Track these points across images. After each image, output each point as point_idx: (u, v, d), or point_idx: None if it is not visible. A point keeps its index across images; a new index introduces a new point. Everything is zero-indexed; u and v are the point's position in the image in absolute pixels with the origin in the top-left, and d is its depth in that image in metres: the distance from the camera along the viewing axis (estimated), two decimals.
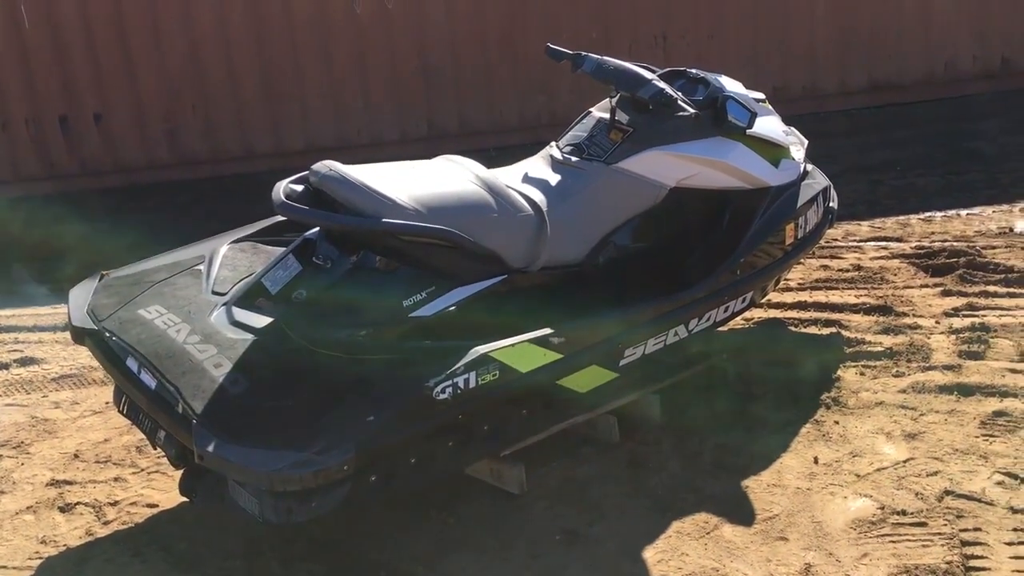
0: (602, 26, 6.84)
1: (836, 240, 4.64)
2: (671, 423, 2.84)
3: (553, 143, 3.05)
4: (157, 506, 2.68)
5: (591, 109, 3.11)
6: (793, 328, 3.56)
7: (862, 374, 3.13)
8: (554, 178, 2.86)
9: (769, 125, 3.20)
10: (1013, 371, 3.04)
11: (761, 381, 3.10)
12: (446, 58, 6.86)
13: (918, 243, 4.48)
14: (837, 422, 2.82)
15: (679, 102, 2.83)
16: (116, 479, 2.83)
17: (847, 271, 4.15)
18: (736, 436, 2.79)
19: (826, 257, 4.35)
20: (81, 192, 6.59)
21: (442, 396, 2.24)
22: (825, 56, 7.06)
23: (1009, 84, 7.17)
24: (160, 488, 2.76)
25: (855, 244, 4.56)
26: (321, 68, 6.77)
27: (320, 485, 2.06)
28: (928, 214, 4.99)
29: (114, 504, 2.69)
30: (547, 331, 2.48)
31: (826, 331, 3.49)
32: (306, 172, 2.46)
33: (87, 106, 6.61)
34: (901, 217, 4.98)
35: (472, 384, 2.30)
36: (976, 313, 3.52)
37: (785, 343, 3.42)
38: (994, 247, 4.28)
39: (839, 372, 3.15)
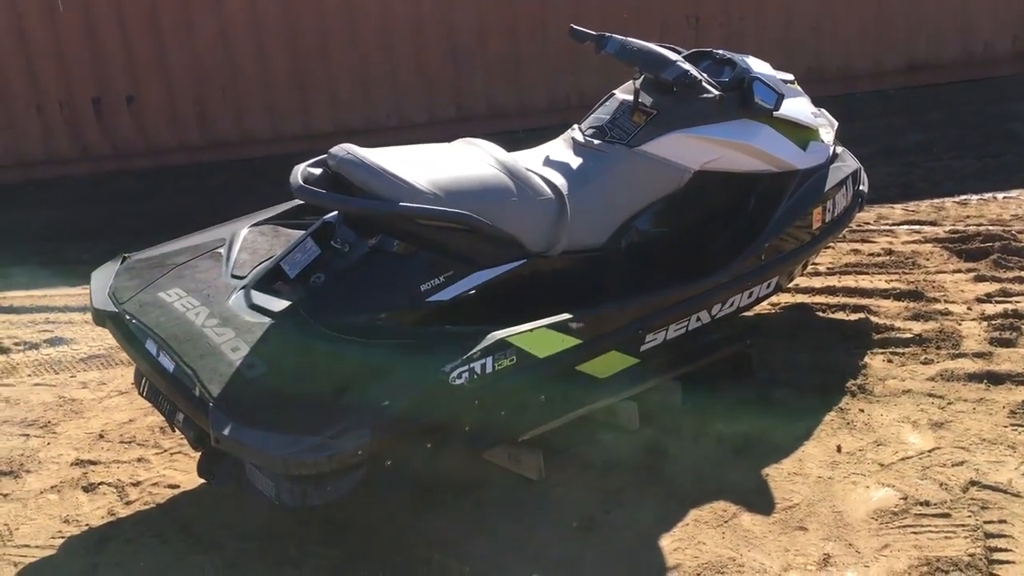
0: (633, 6, 6.75)
1: (868, 224, 4.55)
2: (692, 410, 2.81)
3: (575, 125, 3.02)
4: (178, 487, 2.70)
5: (614, 91, 3.07)
6: (821, 313, 3.50)
7: (890, 361, 3.07)
8: (576, 161, 2.83)
9: (797, 107, 3.14)
10: None
11: (786, 368, 3.06)
12: (474, 40, 6.83)
13: (952, 227, 4.38)
14: (862, 410, 2.77)
15: (703, 83, 2.78)
16: (139, 459, 2.87)
17: (878, 255, 4.07)
18: (758, 424, 2.75)
19: (857, 241, 4.27)
20: (115, 173, 6.69)
21: (458, 381, 2.23)
22: (859, 36, 6.93)
23: None
24: (182, 469, 2.79)
25: (887, 228, 4.47)
26: (349, 51, 6.78)
27: (335, 469, 2.07)
28: (963, 197, 4.87)
29: (136, 484, 2.72)
30: (566, 316, 2.46)
31: (854, 317, 3.42)
32: (324, 156, 2.46)
33: (120, 89, 6.68)
34: (936, 200, 4.87)
35: (489, 369, 2.29)
36: (1009, 299, 3.44)
37: (812, 329, 3.37)
38: None
39: (866, 359, 3.10)
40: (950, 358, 3.04)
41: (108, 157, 6.83)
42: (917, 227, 4.45)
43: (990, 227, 4.27)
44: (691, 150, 2.88)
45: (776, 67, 3.18)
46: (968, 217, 4.55)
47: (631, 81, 3.00)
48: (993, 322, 3.25)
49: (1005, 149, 5.68)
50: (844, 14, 6.88)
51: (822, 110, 3.43)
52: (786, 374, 3.02)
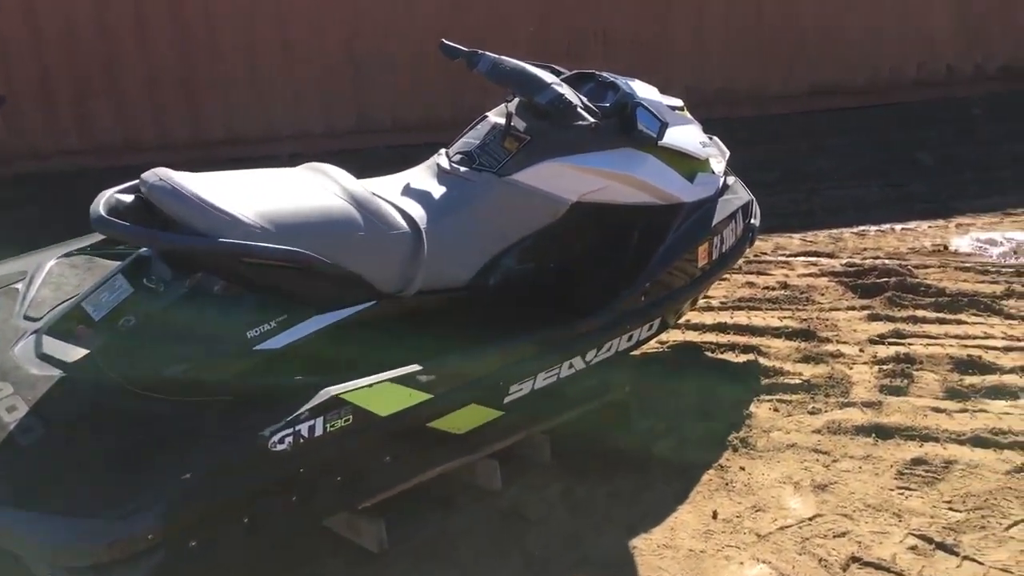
0: (540, 19, 6.54)
1: (765, 254, 4.40)
2: (561, 466, 2.57)
3: (442, 150, 2.75)
4: None
5: (487, 113, 2.82)
6: (709, 353, 3.31)
7: (776, 410, 2.88)
8: (438, 190, 2.56)
9: (684, 136, 2.94)
10: (936, 410, 2.81)
11: (667, 416, 2.84)
12: (376, 47, 6.53)
13: (849, 260, 4.26)
14: (743, 468, 2.57)
15: (578, 109, 2.54)
16: None
17: (773, 289, 3.91)
18: (632, 482, 2.52)
19: (753, 273, 4.11)
20: None
21: (280, 447, 1.94)
22: (768, 58, 6.86)
23: (954, 92, 7.04)
24: None
25: (784, 259, 4.32)
26: (243, 54, 6.42)
27: (119, 558, 1.75)
28: (862, 228, 4.78)
29: None
30: (414, 368, 2.19)
31: (743, 358, 3.24)
32: (136, 181, 2.14)
33: None
34: (835, 230, 4.76)
35: (319, 432, 2.00)
36: (902, 341, 3.30)
37: (697, 372, 3.16)
38: (927, 266, 4.07)
39: (752, 407, 2.90)
40: (838, 407, 2.87)
41: None
42: (814, 259, 4.32)
43: (887, 261, 4.16)
44: (568, 180, 2.64)
45: (683, 88, 2.98)
46: (865, 249, 4.44)
47: (504, 103, 2.75)
48: (884, 367, 3.09)
49: (908, 178, 5.64)
50: (754, 35, 6.80)
51: (713, 138, 3.24)
52: (667, 424, 2.80)
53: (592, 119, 2.53)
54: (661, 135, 2.69)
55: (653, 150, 2.77)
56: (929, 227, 4.74)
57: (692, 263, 2.89)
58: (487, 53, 2.75)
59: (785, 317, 3.59)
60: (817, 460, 2.58)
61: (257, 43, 6.42)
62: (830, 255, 4.36)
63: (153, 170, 2.11)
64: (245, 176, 2.28)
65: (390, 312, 2.32)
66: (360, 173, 2.47)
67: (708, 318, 3.59)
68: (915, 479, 2.46)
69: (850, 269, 4.07)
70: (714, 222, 2.96)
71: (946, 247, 4.40)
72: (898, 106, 6.96)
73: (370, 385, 2.09)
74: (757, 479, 2.51)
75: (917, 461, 2.53)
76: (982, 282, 3.85)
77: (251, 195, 2.15)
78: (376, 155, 6.38)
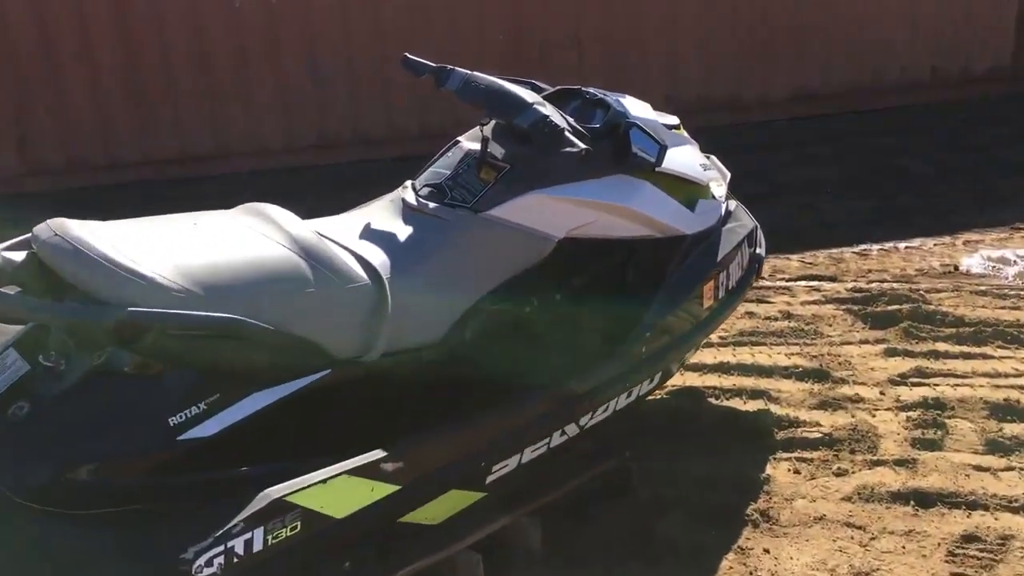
0: (511, 26, 6.18)
1: (764, 279, 4.04)
2: (552, 556, 2.19)
3: (408, 182, 2.37)
4: None
5: (459, 138, 2.44)
6: (713, 401, 2.95)
7: (797, 472, 2.52)
8: (404, 231, 2.17)
9: (684, 158, 2.57)
10: (978, 468, 2.47)
11: (673, 483, 2.47)
12: (338, 58, 6.14)
13: (854, 284, 3.92)
14: (767, 550, 2.20)
15: (566, 134, 2.16)
16: None
17: (776, 319, 3.56)
18: (634, 570, 2.14)
19: (752, 301, 3.76)
20: None
21: (208, 570, 1.54)
22: (746, 62, 6.54)
23: (939, 96, 6.76)
24: None
25: (784, 285, 3.98)
26: (194, 67, 6.01)
27: None
28: (863, 247, 4.44)
29: None
30: (377, 455, 1.80)
31: (752, 406, 2.88)
32: (27, 235, 1.73)
33: None
34: (834, 250, 4.42)
35: (258, 546, 1.61)
36: (927, 381, 2.96)
37: (703, 424, 2.80)
38: (939, 291, 3.74)
39: (769, 468, 2.54)
40: (867, 467, 2.51)
41: None
42: (816, 283, 3.98)
43: (895, 285, 3.82)
44: (554, 214, 2.27)
45: (662, 97, 2.61)
46: (870, 272, 4.11)
47: (479, 127, 2.37)
48: (912, 414, 2.75)
49: (899, 189, 5.31)
50: (730, 39, 6.48)
51: (712, 158, 2.88)
52: (673, 493, 2.43)
53: (582, 144, 2.15)
54: (660, 159, 2.33)
55: (650, 176, 2.41)
56: (935, 245, 4.41)
57: (697, 304, 2.53)
58: (457, 69, 2.37)
59: (793, 353, 3.24)
60: (852, 538, 2.22)
61: (210, 54, 6.01)
62: (832, 279, 4.02)
63: (47, 222, 1.71)
64: (166, 224, 1.88)
65: (347, 381, 1.93)
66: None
67: (708, 356, 3.23)
68: (970, 562, 2.11)
69: (857, 295, 3.73)
70: (719, 255, 2.60)
71: (956, 268, 4.07)
72: (883, 112, 6.66)
73: (323, 481, 1.71)
74: (785, 565, 2.14)
75: (969, 538, 2.18)
76: (1002, 308, 3.52)
77: (172, 249, 1.76)
78: (338, 173, 5.99)
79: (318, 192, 5.36)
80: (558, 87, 2.58)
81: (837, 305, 3.68)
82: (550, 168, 2.24)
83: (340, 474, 1.73)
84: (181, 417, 1.70)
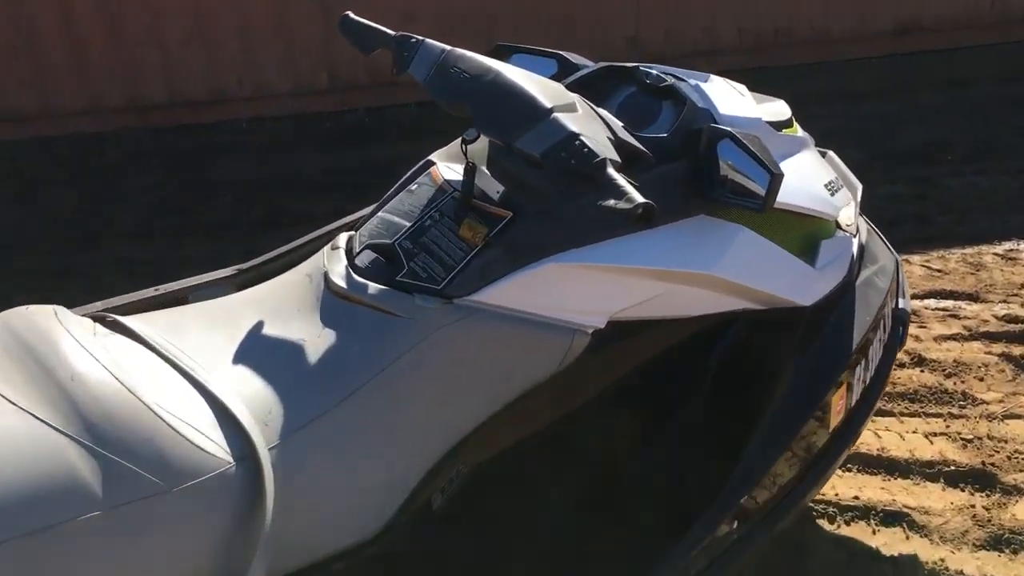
0: None
1: None
2: None
3: (341, 236, 1.42)
4: None
5: (431, 158, 1.48)
6: (829, 527, 1.99)
7: None
8: (318, 342, 1.24)
9: (803, 181, 1.58)
10: None
11: None
12: None
13: (1004, 306, 2.89)
14: None
15: (610, 174, 1.17)
16: None
17: (903, 368, 2.57)
18: None
19: None
20: None
21: None
22: None
23: None
24: None
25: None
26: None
27: None
28: (1009, 245, 3.37)
29: None
30: None
31: (887, 537, 1.92)
32: None
33: None
34: (969, 248, 3.36)
35: None
36: None
37: (822, 563, 1.86)
38: None
39: None
40: None
41: None
42: (952, 304, 2.96)
43: None
44: (589, 291, 1.33)
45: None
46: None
47: (461, 142, 1.39)
48: None
49: None
50: None
51: (832, 157, 1.89)
52: None
53: (639, 197, 1.15)
54: (771, 198, 1.34)
55: (751, 218, 1.43)
56: None
57: (822, 424, 1.57)
58: (427, 41, 1.40)
59: (936, 434, 2.26)
60: None
61: None
62: (973, 297, 2.99)
63: None
64: None
65: None
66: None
67: None
68: None
69: (1014, 328, 2.72)
70: (856, 337, 1.62)
71: None
72: (1007, 46, 5.44)
73: None
74: None
75: None
76: None
77: None
78: (354, 119, 5.11)
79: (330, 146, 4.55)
80: (600, 64, 1.60)
81: (986, 343, 2.67)
82: (579, 218, 1.29)
83: None
84: None
